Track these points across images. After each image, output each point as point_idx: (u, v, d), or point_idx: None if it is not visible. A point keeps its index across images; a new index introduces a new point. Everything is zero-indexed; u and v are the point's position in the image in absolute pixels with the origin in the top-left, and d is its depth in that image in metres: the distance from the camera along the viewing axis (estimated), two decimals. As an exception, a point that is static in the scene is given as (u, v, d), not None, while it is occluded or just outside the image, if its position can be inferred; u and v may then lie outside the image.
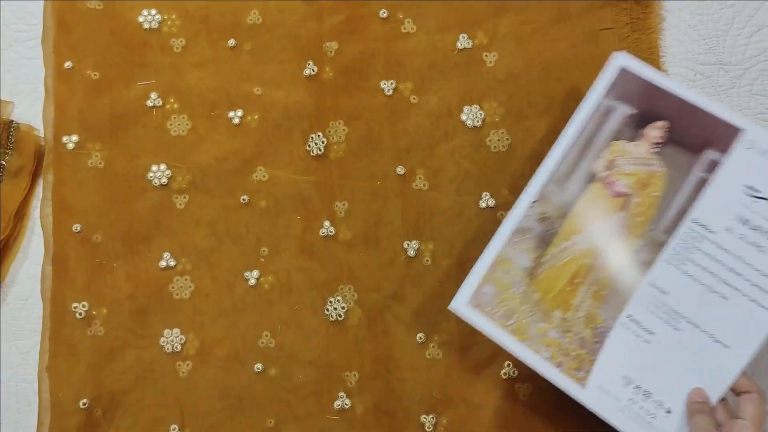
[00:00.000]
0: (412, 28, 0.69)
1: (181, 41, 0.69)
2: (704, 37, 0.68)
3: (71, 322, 0.65)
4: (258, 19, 0.69)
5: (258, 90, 0.68)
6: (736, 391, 0.51)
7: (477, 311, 0.55)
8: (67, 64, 0.69)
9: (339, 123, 0.67)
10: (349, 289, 0.65)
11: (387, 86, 0.67)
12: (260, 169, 0.67)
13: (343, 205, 0.66)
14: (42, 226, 0.66)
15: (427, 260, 0.65)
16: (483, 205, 0.65)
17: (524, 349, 0.54)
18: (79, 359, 0.64)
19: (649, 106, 0.56)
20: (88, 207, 0.66)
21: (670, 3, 0.68)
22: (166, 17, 0.70)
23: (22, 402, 0.65)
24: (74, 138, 0.67)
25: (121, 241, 0.66)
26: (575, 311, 0.54)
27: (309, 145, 0.67)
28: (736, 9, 0.67)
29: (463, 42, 0.68)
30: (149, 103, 0.68)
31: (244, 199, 0.66)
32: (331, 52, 0.68)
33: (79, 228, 0.66)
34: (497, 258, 0.56)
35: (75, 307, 0.65)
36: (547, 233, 0.56)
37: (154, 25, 0.70)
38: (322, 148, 0.67)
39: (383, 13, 0.68)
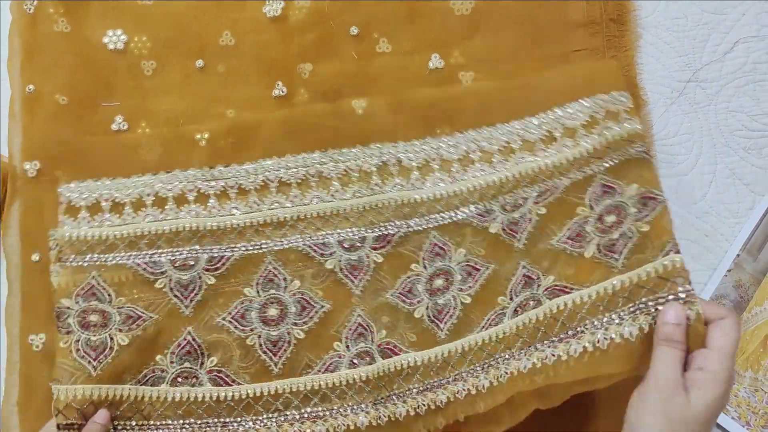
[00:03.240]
0: (387, 48, 0.67)
1: (152, 63, 0.68)
2: (681, 54, 0.67)
3: (29, 355, 0.62)
4: (230, 41, 0.68)
5: (230, 112, 0.67)
6: (706, 321, 0.47)
7: None
8: (29, 88, 0.67)
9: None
10: None
11: (357, 105, 0.65)
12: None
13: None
14: (5, 256, 0.64)
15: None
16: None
17: None
18: (36, 393, 0.61)
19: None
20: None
21: (647, 20, 0.67)
22: (136, 39, 0.68)
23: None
24: (35, 164, 0.65)
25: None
26: (766, 371, 0.58)
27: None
28: (712, 26, 0.67)
29: (435, 62, 0.67)
30: (114, 127, 0.66)
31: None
32: (305, 73, 0.67)
33: (38, 258, 0.64)
34: None
35: (32, 340, 0.62)
36: (741, 299, 0.61)
37: (120, 46, 0.68)
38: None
39: (354, 30, 0.67)
